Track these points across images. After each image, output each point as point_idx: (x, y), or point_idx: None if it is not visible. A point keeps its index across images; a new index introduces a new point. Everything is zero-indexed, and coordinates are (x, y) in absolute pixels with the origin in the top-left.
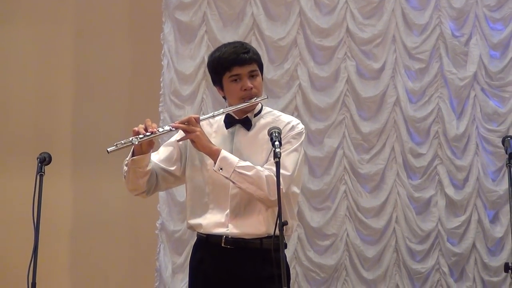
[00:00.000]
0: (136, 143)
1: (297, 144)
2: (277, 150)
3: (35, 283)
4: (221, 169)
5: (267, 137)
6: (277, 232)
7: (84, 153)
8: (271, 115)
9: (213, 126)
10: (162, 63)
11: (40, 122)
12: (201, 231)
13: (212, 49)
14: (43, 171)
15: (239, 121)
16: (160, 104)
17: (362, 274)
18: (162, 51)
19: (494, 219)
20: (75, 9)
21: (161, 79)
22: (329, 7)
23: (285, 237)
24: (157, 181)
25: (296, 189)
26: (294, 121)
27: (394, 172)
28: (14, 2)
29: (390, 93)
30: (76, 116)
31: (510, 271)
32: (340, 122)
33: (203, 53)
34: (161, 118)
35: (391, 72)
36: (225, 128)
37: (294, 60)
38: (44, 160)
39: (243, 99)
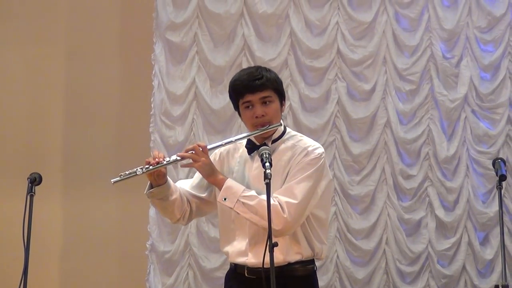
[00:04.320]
0: (141, 173)
1: (310, 171)
2: (268, 171)
3: None
4: (225, 199)
5: (284, 163)
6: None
7: (75, 173)
8: (292, 139)
9: (239, 151)
10: (153, 83)
11: (30, 142)
12: (229, 259)
13: (202, 69)
14: (33, 191)
15: (258, 147)
16: (151, 125)
17: None
18: (153, 72)
19: (484, 241)
20: (66, 30)
21: (151, 100)
22: (320, 28)
23: (315, 261)
24: (190, 207)
25: (322, 214)
26: (312, 146)
27: (385, 193)
28: (5, 23)
29: (381, 114)
30: (67, 137)
31: None
32: (330, 143)
33: (194, 73)
34: (152, 138)
35: (381, 93)
36: (247, 154)
37: (285, 81)
38: (35, 181)
39: (256, 126)
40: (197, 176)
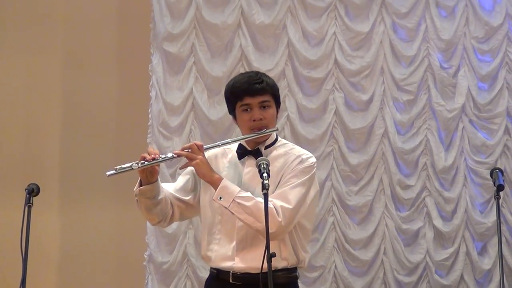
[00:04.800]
0: (136, 168)
1: (304, 178)
2: (265, 182)
3: None
4: (220, 198)
5: (276, 169)
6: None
7: (72, 184)
8: (284, 147)
9: (227, 156)
10: (150, 94)
11: (28, 153)
12: (211, 264)
13: (200, 80)
14: (31, 202)
15: (250, 152)
16: (148, 135)
17: None
18: (151, 82)
19: (482, 251)
20: (63, 40)
21: (149, 110)
22: (317, 38)
23: (298, 269)
24: (173, 210)
25: (307, 224)
26: (305, 154)
27: (382, 204)
28: (2, 33)
29: (379, 124)
30: (64, 147)
31: None
32: (328, 154)
33: (191, 84)
34: None
35: (379, 103)
36: (237, 159)
37: (282, 91)
38: (32, 191)
39: (252, 130)
40: (181, 179)
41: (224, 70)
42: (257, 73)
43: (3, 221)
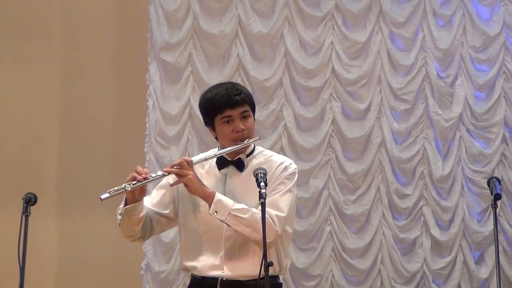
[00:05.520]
0: (129, 189)
1: (290, 185)
2: (263, 191)
3: None
4: (216, 212)
5: None
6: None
7: (70, 193)
8: (263, 155)
9: (204, 168)
10: (148, 103)
11: (25, 162)
12: (196, 273)
13: (197, 89)
14: (28, 211)
15: (232, 162)
16: (146, 145)
17: None
18: (148, 92)
19: (479, 260)
20: (61, 49)
21: (146, 120)
22: (314, 48)
23: (279, 277)
24: (152, 225)
25: (288, 229)
26: (287, 161)
27: (380, 213)
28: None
29: (376, 134)
30: (62, 157)
31: None
32: (325, 163)
33: (189, 93)
34: (147, 158)
35: (376, 113)
36: (217, 170)
37: (280, 100)
38: (30, 201)
39: (235, 141)
40: (157, 193)
41: (221, 79)
42: (234, 84)
43: (0, 231)
